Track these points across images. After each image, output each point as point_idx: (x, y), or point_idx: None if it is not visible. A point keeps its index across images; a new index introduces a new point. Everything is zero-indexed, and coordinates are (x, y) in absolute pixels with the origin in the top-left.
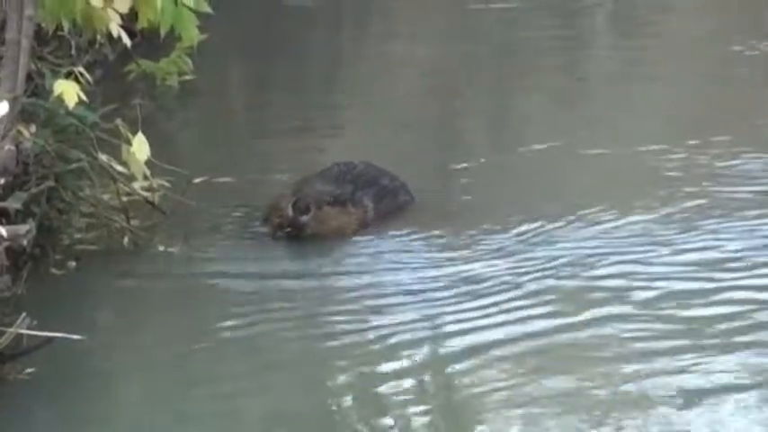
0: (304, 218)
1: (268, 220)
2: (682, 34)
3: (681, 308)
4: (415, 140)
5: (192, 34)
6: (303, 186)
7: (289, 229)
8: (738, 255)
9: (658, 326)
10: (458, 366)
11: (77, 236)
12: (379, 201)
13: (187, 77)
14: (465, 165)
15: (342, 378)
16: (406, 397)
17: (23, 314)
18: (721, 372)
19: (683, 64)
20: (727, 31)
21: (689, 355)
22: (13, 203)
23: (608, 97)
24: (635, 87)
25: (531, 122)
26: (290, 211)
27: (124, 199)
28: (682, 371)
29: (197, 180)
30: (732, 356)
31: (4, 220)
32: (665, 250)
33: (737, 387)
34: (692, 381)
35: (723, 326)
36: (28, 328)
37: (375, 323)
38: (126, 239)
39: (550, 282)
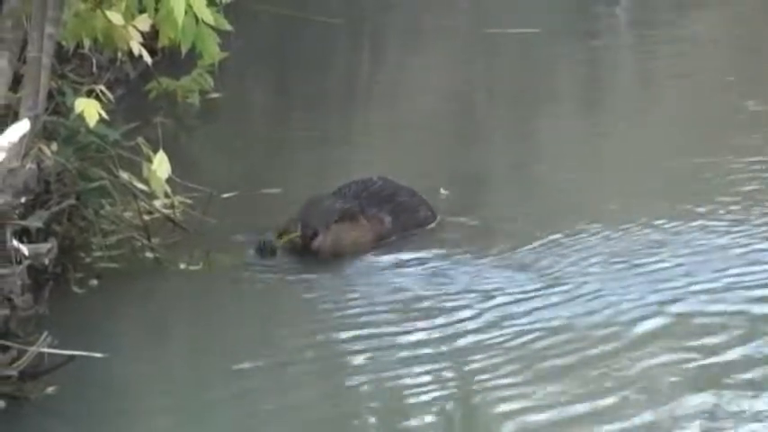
0: (315, 242)
1: (280, 237)
2: (703, 56)
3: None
4: (436, 157)
5: (213, 52)
6: (309, 208)
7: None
8: None
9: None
10: (478, 382)
11: (99, 254)
12: (397, 217)
13: (208, 95)
14: (486, 181)
15: (361, 392)
16: (426, 412)
17: (45, 333)
18: None
19: (705, 85)
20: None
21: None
22: (35, 222)
23: (629, 116)
24: (657, 104)
25: (551, 139)
26: (299, 239)
27: (146, 217)
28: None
29: (218, 197)
30: None
31: (25, 239)
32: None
33: None
34: None
35: None
36: (49, 347)
37: (395, 339)
38: (148, 257)
39: (575, 298)
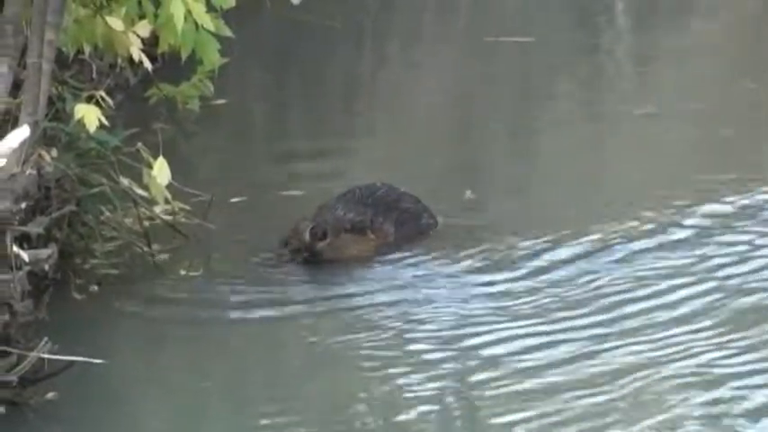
0: (320, 244)
1: (288, 243)
2: (702, 70)
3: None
4: (437, 163)
5: (213, 58)
6: (323, 211)
7: (306, 254)
8: None
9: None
10: (482, 390)
11: (99, 260)
12: (401, 225)
13: (209, 101)
14: (487, 187)
15: (364, 404)
16: (431, 421)
17: (45, 338)
18: None
19: (706, 93)
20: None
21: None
22: (35, 228)
23: (627, 120)
24: (654, 118)
25: (552, 144)
26: (306, 237)
27: (146, 223)
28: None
29: (219, 203)
30: None
31: (25, 245)
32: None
33: None
34: None
35: None
36: (49, 353)
37: (397, 348)
38: (148, 263)
39: (576, 303)
